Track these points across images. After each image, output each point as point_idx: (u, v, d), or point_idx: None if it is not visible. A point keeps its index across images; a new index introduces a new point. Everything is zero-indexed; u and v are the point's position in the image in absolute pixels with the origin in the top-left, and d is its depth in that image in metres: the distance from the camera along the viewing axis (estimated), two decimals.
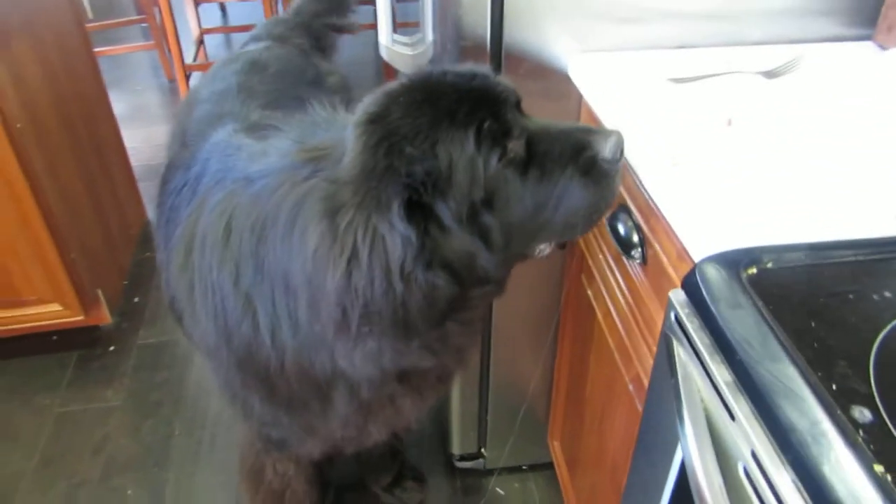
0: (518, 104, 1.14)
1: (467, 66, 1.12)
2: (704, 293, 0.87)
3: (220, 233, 1.24)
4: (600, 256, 1.44)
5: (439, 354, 1.19)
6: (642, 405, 1.25)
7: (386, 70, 3.98)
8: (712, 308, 0.85)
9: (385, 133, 1.03)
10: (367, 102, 1.10)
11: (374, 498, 2.10)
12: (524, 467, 2.16)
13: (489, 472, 2.14)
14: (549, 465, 2.07)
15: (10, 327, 2.50)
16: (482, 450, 2.10)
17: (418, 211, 1.01)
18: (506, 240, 1.10)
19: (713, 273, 0.89)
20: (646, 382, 1.22)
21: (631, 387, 1.31)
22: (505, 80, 1.13)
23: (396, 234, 0.99)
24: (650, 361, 1.20)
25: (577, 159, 1.09)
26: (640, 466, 1.15)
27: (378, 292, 1.00)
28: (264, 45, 1.95)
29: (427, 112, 1.04)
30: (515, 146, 1.07)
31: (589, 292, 1.53)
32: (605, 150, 1.08)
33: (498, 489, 2.12)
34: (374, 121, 1.05)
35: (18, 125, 2.13)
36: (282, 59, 1.87)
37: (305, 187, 1.10)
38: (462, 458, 2.14)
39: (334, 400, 1.31)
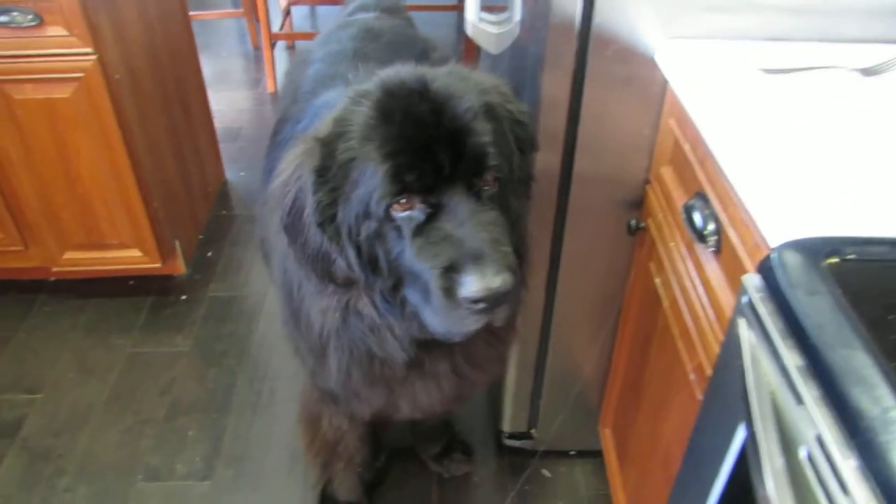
0: (476, 169, 1.09)
1: (454, 107, 1.09)
2: (781, 278, 0.87)
3: None
4: (672, 244, 1.44)
5: (384, 350, 1.30)
6: (702, 395, 1.25)
7: (466, 51, 3.99)
8: (788, 293, 0.85)
9: (340, 118, 1.13)
10: (370, 81, 1.17)
11: (423, 465, 2.14)
12: (572, 452, 2.17)
13: (536, 453, 2.16)
14: (597, 454, 2.07)
15: (92, 268, 2.63)
16: (532, 430, 2.12)
17: (326, 190, 1.14)
18: (394, 276, 1.15)
19: (792, 259, 0.89)
20: (708, 372, 1.22)
21: (692, 376, 1.31)
22: (478, 143, 1.09)
23: (310, 194, 1.14)
24: (715, 350, 1.20)
25: (443, 271, 1.05)
26: (695, 454, 1.16)
27: (294, 223, 1.18)
28: (374, 14, 2.00)
29: (374, 124, 1.10)
30: (418, 209, 1.08)
31: (657, 280, 1.53)
32: (463, 287, 1.02)
33: (544, 471, 2.14)
34: (349, 104, 1.15)
35: (117, 76, 2.23)
36: (394, 29, 1.92)
37: None
38: (511, 437, 2.16)
39: (328, 358, 1.41)
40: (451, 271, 1.04)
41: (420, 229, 1.08)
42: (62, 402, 2.33)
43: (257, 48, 4.78)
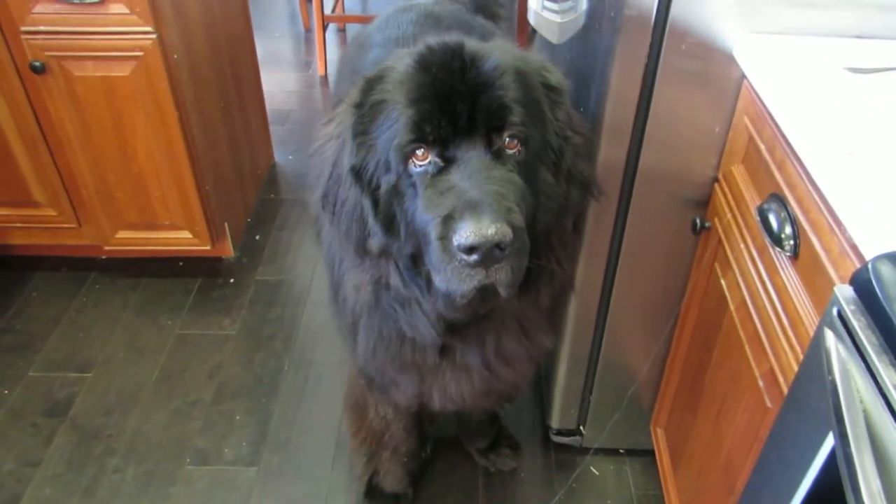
0: (495, 125, 1.10)
1: (484, 69, 1.11)
2: (878, 290, 0.83)
3: None
4: (741, 246, 1.39)
5: (413, 329, 1.30)
6: (773, 401, 1.21)
7: (520, 41, 3.94)
8: (886, 306, 0.81)
9: (383, 69, 1.19)
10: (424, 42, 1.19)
11: (469, 458, 2.13)
12: (621, 451, 2.14)
13: (585, 451, 2.13)
14: (648, 453, 2.04)
15: (144, 248, 2.66)
16: (581, 427, 2.09)
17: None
18: (410, 238, 1.15)
19: (889, 271, 0.84)
20: (780, 378, 1.18)
21: (761, 382, 1.27)
22: (505, 102, 1.10)
23: (349, 145, 1.18)
24: (788, 358, 1.16)
25: (443, 220, 1.05)
26: (769, 463, 1.12)
27: (332, 183, 1.23)
28: (434, 0, 1.98)
29: (410, 74, 1.14)
30: (433, 161, 1.10)
31: (722, 281, 1.49)
32: (455, 234, 1.01)
33: (592, 468, 2.11)
34: (394, 56, 1.20)
35: (175, 56, 2.23)
36: (454, 14, 1.90)
37: None
38: (559, 433, 2.13)
39: (358, 338, 1.44)
40: (449, 220, 1.04)
41: (431, 181, 1.09)
42: (112, 381, 2.36)
43: (308, 30, 4.77)
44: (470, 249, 1.00)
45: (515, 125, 1.11)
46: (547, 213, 1.20)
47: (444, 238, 1.04)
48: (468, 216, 1.01)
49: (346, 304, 1.42)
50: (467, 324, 1.32)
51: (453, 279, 1.06)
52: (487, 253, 1.01)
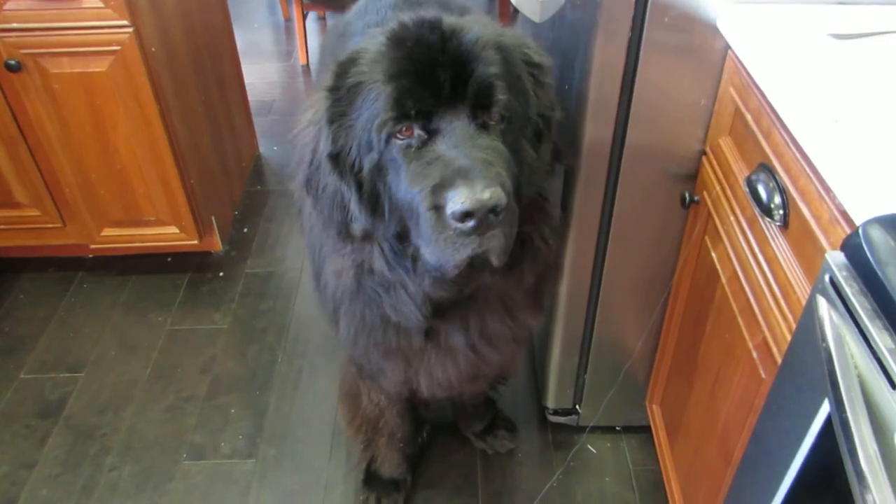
0: (480, 99, 1.09)
1: (463, 43, 1.09)
2: (869, 255, 0.82)
3: None
4: (731, 218, 1.39)
5: (396, 311, 1.29)
6: (768, 372, 1.21)
7: (501, 18, 3.92)
8: (878, 271, 0.80)
9: (358, 49, 1.17)
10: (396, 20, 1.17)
11: (466, 441, 2.13)
12: (617, 428, 2.15)
13: (581, 429, 2.13)
14: (644, 429, 2.05)
15: (130, 245, 2.63)
16: (577, 406, 2.10)
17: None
18: (394, 217, 1.15)
19: (880, 235, 0.84)
20: (773, 349, 1.18)
21: (755, 353, 1.27)
22: (487, 74, 1.09)
23: (325, 130, 1.17)
24: (781, 328, 1.16)
25: (433, 190, 1.04)
26: (765, 432, 1.12)
27: (313, 169, 1.21)
28: None
29: (384, 52, 1.12)
30: (417, 134, 1.08)
31: (713, 254, 1.48)
32: (449, 203, 1.00)
33: (590, 446, 2.12)
34: (369, 35, 1.18)
35: (153, 49, 2.20)
36: None
37: None
38: (555, 413, 2.13)
39: (339, 325, 1.44)
40: (439, 189, 1.03)
41: (416, 154, 1.08)
42: (105, 380, 2.35)
43: (288, 19, 4.73)
44: (465, 216, 0.99)
45: (501, 103, 1.10)
46: (529, 186, 1.21)
47: (436, 208, 1.03)
48: (460, 183, 1.00)
49: (326, 290, 1.41)
50: (453, 304, 1.31)
51: (446, 250, 1.05)
52: (483, 218, 1.00)
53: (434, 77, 1.07)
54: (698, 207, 1.56)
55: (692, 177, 1.57)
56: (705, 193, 1.51)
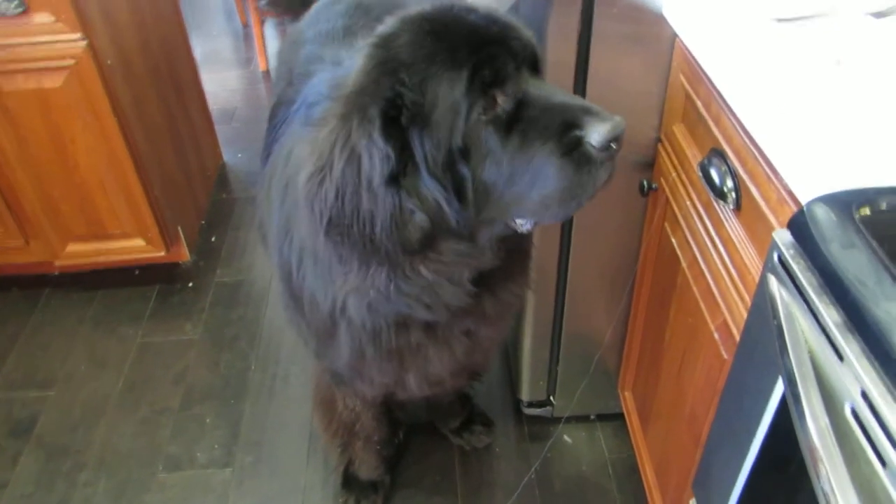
0: (534, 63, 1.09)
1: (492, 10, 1.08)
2: (814, 233, 0.85)
3: (283, 159, 1.36)
4: (688, 203, 1.41)
5: (432, 309, 1.19)
6: (729, 353, 1.23)
7: None
8: (822, 248, 0.83)
9: (384, 58, 1.05)
10: (383, 25, 1.11)
11: (444, 439, 2.14)
12: (592, 417, 2.17)
13: (557, 420, 2.15)
14: (618, 416, 2.07)
15: (96, 260, 2.61)
16: (551, 397, 2.11)
17: (396, 131, 1.02)
18: (479, 200, 1.07)
19: (823, 213, 0.86)
20: (733, 330, 1.21)
21: (717, 335, 1.29)
22: (528, 35, 1.09)
23: (375, 148, 1.01)
24: (739, 309, 1.18)
25: (561, 137, 1.02)
26: (727, 412, 1.14)
27: (348, 206, 1.04)
28: None
29: (429, 45, 1.04)
30: (504, 102, 1.04)
31: (673, 240, 1.51)
32: (594, 134, 1.00)
33: (565, 437, 2.14)
34: (379, 45, 1.07)
35: (108, 61, 2.18)
36: (384, 3, 1.86)
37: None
38: (530, 405, 2.15)
39: (339, 338, 1.36)
40: (570, 131, 1.02)
41: (511, 123, 1.04)
42: (76, 396, 2.32)
43: (246, 26, 4.71)
44: (612, 141, 1.01)
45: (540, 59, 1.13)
46: None
47: (575, 148, 1.02)
48: (593, 118, 1.02)
49: (317, 309, 1.34)
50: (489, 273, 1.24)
51: (584, 186, 1.05)
52: (618, 143, 1.03)
53: (499, 51, 1.04)
54: (657, 194, 1.58)
55: (650, 165, 1.59)
56: (663, 180, 1.53)
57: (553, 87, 1.09)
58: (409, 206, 1.04)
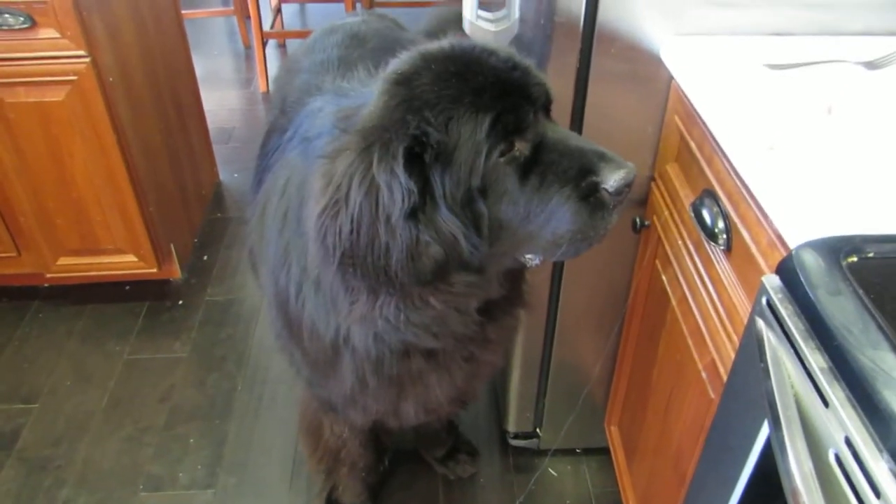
0: (547, 106, 1.14)
1: (511, 54, 1.11)
2: (802, 278, 0.86)
3: (280, 188, 1.37)
4: (679, 242, 1.43)
5: (439, 337, 1.21)
6: (716, 392, 1.24)
7: None
8: (810, 294, 0.84)
9: (407, 96, 1.06)
10: (400, 60, 1.12)
11: (428, 467, 2.13)
12: (578, 450, 2.17)
13: (543, 453, 2.15)
14: (604, 451, 2.07)
15: (87, 274, 2.60)
16: (537, 430, 2.11)
17: (418, 168, 1.04)
18: (494, 235, 1.11)
19: (811, 259, 0.88)
20: (721, 369, 1.22)
21: (704, 374, 1.30)
22: (544, 80, 1.12)
23: (397, 183, 1.02)
24: (727, 349, 1.19)
25: (578, 182, 1.07)
26: (713, 452, 1.15)
27: (363, 239, 1.05)
28: (361, 18, 1.98)
29: (454, 85, 1.06)
30: (522, 147, 1.07)
31: (663, 277, 1.52)
32: (611, 180, 1.05)
33: (551, 470, 2.13)
34: (400, 82, 1.09)
35: (111, 79, 2.20)
36: (380, 33, 1.90)
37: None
38: (516, 437, 2.15)
39: (341, 367, 1.36)
40: (587, 176, 1.06)
41: (530, 166, 1.08)
42: (60, 411, 2.30)
43: (248, 47, 4.74)
44: (625, 188, 1.07)
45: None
46: None
47: (592, 193, 1.07)
48: (606, 163, 1.07)
49: (317, 339, 1.33)
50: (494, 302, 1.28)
51: (597, 229, 1.09)
52: (629, 188, 1.08)
53: (519, 95, 1.08)
54: (649, 232, 1.60)
55: (643, 202, 1.61)
56: (655, 218, 1.55)
57: (566, 130, 1.15)
58: (425, 238, 1.05)
